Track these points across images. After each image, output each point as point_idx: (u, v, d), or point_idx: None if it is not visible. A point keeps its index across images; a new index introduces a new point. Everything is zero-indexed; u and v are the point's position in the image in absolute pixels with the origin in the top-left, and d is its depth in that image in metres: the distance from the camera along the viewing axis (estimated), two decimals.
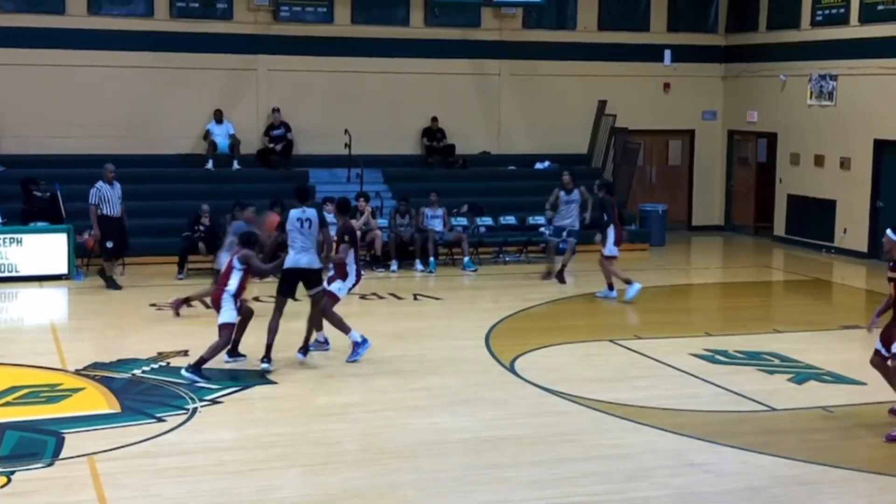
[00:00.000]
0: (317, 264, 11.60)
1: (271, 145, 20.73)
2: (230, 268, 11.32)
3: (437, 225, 18.76)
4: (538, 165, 22.56)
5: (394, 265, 18.08)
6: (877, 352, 9.89)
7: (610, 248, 15.60)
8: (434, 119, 21.90)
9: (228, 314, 11.16)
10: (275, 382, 11.01)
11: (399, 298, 15.53)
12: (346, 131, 20.28)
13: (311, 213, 11.64)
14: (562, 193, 17.37)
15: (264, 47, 20.95)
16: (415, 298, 15.68)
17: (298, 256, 11.49)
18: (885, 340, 9.78)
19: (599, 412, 10.18)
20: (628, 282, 15.45)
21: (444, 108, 22.02)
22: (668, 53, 23.30)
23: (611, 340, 13.16)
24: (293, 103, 20.94)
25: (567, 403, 10.45)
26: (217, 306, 11.29)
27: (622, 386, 11.20)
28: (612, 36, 22.99)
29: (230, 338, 11.34)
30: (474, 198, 20.31)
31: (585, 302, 15.89)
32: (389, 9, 21.94)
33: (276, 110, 20.81)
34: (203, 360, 11.03)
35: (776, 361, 12.29)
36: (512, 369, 11.73)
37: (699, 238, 22.64)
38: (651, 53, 23.17)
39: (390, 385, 11.10)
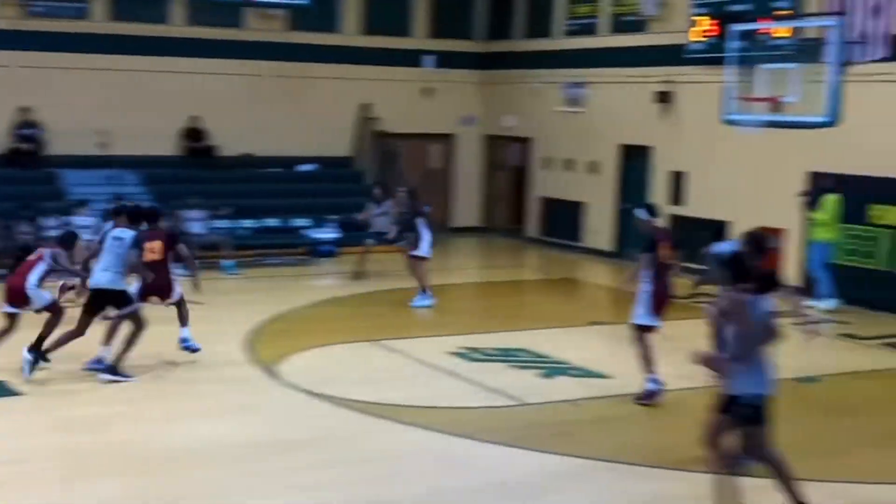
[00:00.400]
0: (120, 284, 11.30)
1: (20, 145, 19.84)
2: (37, 260, 11.20)
3: (198, 228, 18.47)
4: (301, 167, 22.57)
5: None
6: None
7: (424, 250, 15.58)
8: (195, 119, 21.54)
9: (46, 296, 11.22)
10: (23, 393, 10.56)
11: (157, 304, 15.19)
12: (100, 131, 19.70)
13: (129, 233, 11.36)
14: (373, 206, 17.81)
15: (14, 43, 19.96)
16: None
17: (100, 276, 11.23)
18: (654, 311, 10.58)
19: (362, 413, 10.28)
20: (425, 290, 15.56)
21: (205, 108, 21.67)
22: (428, 59, 23.83)
23: (374, 341, 13.31)
24: (45, 101, 20.07)
25: (331, 406, 10.51)
26: (21, 298, 11.10)
27: (385, 386, 11.36)
28: (375, 40, 23.30)
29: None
30: (236, 200, 20.12)
31: (348, 303, 16.05)
32: (149, 6, 21.42)
33: (25, 109, 19.92)
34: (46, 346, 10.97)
35: (528, 357, 12.76)
36: (276, 373, 11.71)
37: (458, 239, 23.23)
38: (412, 58, 23.62)
39: (150, 394, 10.85)
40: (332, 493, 8.28)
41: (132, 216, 11.67)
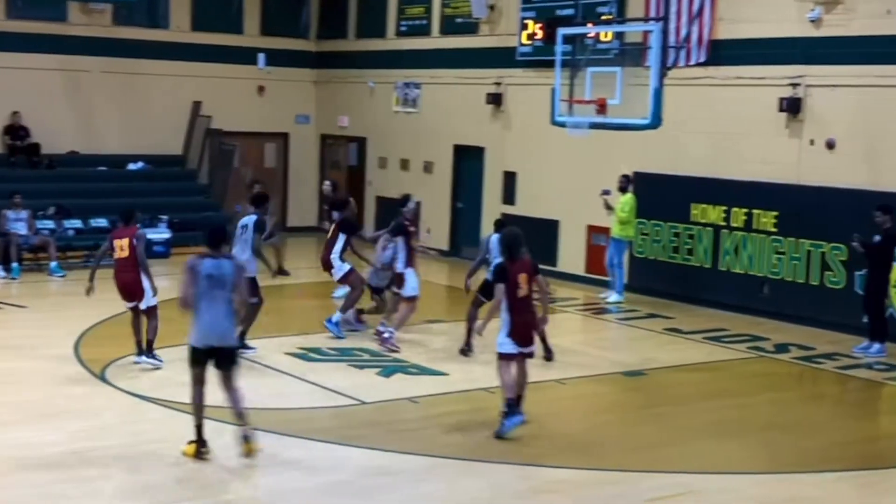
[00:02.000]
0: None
1: None
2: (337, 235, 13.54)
3: (21, 228, 17.80)
4: (131, 166, 22.05)
5: None
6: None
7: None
8: (15, 114, 20.77)
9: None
10: None
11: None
12: None
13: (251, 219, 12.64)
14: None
15: None
16: None
17: None
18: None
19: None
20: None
21: (27, 104, 20.95)
22: (261, 57, 23.61)
23: None
24: None
25: (161, 409, 10.34)
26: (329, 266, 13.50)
27: (218, 388, 11.20)
28: (206, 37, 22.97)
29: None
30: (62, 199, 19.51)
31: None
32: None
33: None
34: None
35: (366, 356, 12.84)
36: (103, 378, 11.43)
37: (295, 239, 23.04)
38: (245, 56, 23.38)
39: None
40: (165, 496, 8.15)
41: (254, 200, 13.08)
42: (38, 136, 21.04)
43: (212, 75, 22.79)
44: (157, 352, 11.86)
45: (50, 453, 8.97)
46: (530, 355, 10.20)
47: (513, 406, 9.87)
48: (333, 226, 14.28)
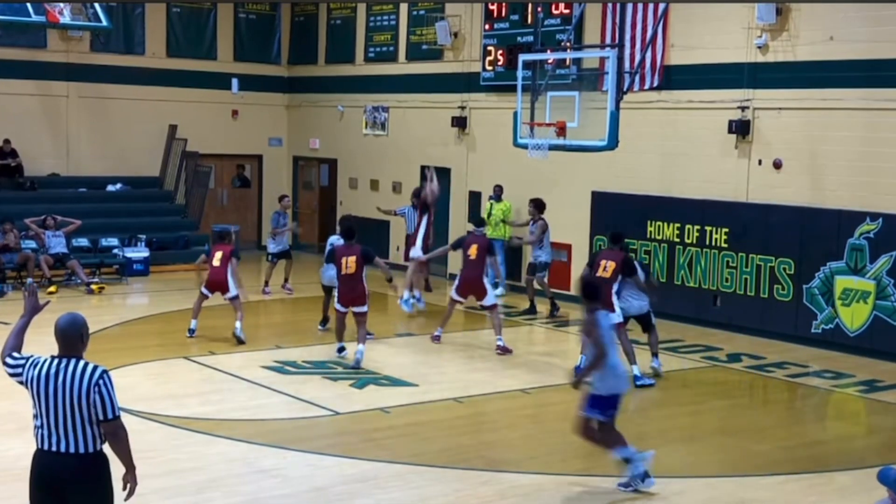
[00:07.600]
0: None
1: None
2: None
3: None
4: (110, 187, 22.52)
5: None
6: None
7: (415, 252, 16.59)
8: (6, 141, 21.25)
9: None
10: None
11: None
12: None
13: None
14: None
15: None
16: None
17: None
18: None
19: (173, 428, 10.37)
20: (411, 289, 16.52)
21: (9, 129, 21.35)
22: (235, 82, 24.13)
23: (185, 357, 13.48)
24: None
25: (140, 421, 10.34)
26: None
27: (196, 401, 11.49)
28: (181, 63, 23.45)
29: None
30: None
31: (158, 321, 16.07)
32: None
33: None
34: None
35: (339, 369, 13.21)
36: None
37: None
38: (219, 81, 23.86)
39: None
40: None
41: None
42: (20, 158, 21.47)
43: (187, 100, 23.29)
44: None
45: (27, 465, 9.18)
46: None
47: None
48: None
